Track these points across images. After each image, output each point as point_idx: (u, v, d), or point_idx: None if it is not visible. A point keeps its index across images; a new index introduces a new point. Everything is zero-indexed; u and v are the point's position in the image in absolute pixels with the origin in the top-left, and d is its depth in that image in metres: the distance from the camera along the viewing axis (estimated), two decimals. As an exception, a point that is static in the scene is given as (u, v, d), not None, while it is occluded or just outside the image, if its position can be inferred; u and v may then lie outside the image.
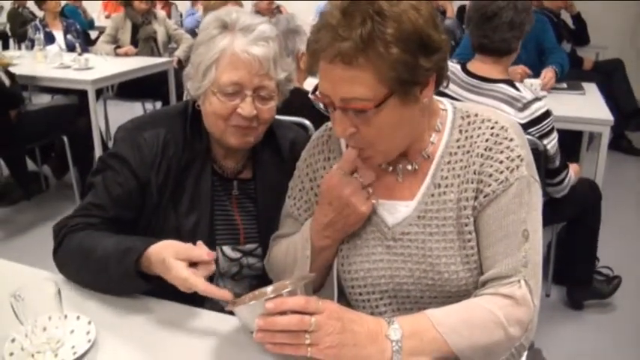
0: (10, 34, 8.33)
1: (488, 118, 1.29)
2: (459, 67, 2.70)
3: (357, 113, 1.15)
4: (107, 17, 8.87)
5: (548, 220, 2.77)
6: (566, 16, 5.92)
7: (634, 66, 6.00)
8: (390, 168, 1.34)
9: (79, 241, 1.43)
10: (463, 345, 1.12)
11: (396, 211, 1.31)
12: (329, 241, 1.32)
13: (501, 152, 1.24)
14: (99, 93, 4.86)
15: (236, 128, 1.48)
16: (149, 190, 1.51)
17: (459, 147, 1.29)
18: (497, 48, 2.58)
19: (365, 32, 1.08)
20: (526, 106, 2.45)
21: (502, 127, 1.27)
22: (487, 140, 1.26)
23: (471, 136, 1.28)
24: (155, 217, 1.52)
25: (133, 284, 1.36)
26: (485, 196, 1.24)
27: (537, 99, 2.50)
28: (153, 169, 1.50)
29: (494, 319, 1.14)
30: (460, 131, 1.30)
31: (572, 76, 4.29)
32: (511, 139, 1.25)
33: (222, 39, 1.45)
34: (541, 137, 2.47)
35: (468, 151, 1.27)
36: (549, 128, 2.50)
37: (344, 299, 1.39)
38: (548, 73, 3.73)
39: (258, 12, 6.16)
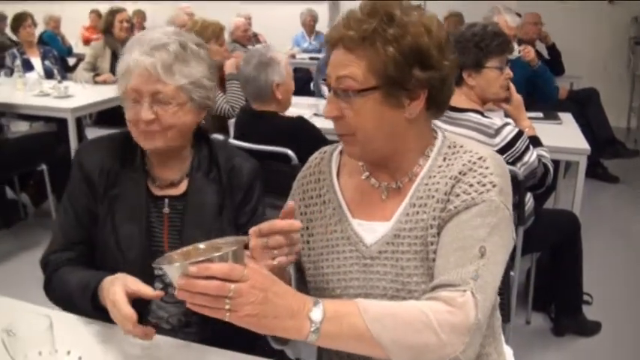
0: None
1: (471, 150, 1.33)
2: None
3: (345, 96, 1.25)
4: (86, 44, 8.87)
5: (526, 248, 2.85)
6: (541, 47, 6.04)
7: (608, 95, 6.12)
8: (377, 184, 1.38)
9: (58, 280, 1.60)
10: (387, 337, 1.10)
11: (375, 231, 1.35)
12: None
13: (474, 177, 1.27)
14: (78, 121, 4.84)
15: (143, 133, 1.58)
16: (88, 201, 1.65)
17: (439, 172, 1.32)
18: None
19: (370, 28, 1.22)
20: (497, 132, 2.50)
21: (480, 157, 1.29)
22: (463, 165, 1.29)
23: (452, 164, 1.32)
24: (100, 230, 1.64)
25: (102, 315, 1.43)
26: (447, 212, 1.26)
27: (507, 124, 2.56)
28: (94, 183, 1.65)
29: (425, 320, 1.11)
30: (444, 159, 1.34)
31: (548, 105, 4.37)
32: (487, 168, 1.28)
33: (130, 55, 1.57)
34: (518, 158, 2.52)
35: (445, 175, 1.31)
36: (524, 147, 2.55)
37: None
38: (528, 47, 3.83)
39: (235, 40, 6.19)
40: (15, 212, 4.71)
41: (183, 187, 1.69)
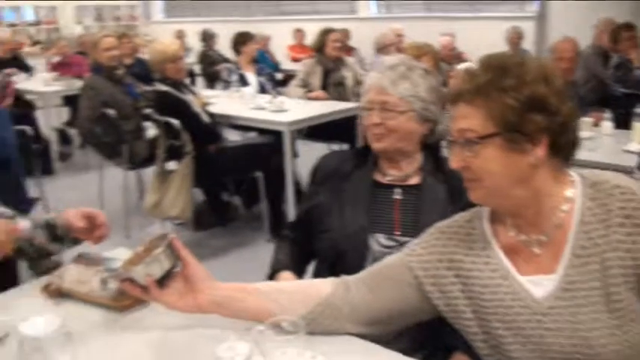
0: (200, 73, 9.15)
1: (618, 185, 1.32)
2: None
3: (467, 145, 1.32)
4: (295, 61, 9.36)
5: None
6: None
7: None
8: (524, 238, 1.38)
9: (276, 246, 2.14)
10: None
11: (541, 285, 1.34)
12: None
13: None
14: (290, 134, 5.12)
15: (372, 134, 1.93)
16: (320, 193, 2.03)
17: (592, 215, 1.31)
18: None
19: (484, 80, 1.30)
20: None
21: (633, 192, 1.29)
22: (623, 208, 1.28)
23: (605, 204, 1.31)
24: (326, 212, 1.98)
25: None
26: None
27: None
28: (322, 180, 2.05)
29: None
30: (592, 199, 1.32)
31: None
32: None
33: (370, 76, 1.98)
34: None
35: (604, 220, 1.30)
36: None
37: None
38: None
39: (441, 59, 6.24)
40: (231, 212, 5.13)
41: (413, 182, 1.97)
